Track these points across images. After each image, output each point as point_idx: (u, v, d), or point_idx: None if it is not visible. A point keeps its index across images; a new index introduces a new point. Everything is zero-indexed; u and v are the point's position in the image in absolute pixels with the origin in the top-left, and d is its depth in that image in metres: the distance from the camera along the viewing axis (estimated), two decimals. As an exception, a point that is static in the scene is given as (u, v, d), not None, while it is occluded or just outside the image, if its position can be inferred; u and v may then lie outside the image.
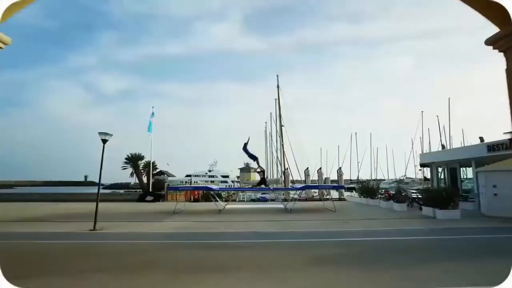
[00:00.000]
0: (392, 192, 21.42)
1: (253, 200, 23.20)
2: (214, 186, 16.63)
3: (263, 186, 16.44)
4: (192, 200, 22.39)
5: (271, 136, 46.93)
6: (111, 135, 10.16)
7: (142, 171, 26.92)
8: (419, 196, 16.37)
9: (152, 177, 27.99)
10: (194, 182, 70.58)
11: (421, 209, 14.96)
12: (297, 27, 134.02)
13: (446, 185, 19.40)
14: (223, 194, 23.56)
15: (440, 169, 21.53)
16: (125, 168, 24.73)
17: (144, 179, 26.50)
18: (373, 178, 62.69)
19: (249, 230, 9.54)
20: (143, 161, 25.38)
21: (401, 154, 78.28)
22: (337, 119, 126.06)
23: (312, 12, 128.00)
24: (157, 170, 29.70)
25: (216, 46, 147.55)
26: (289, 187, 20.33)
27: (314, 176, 24.31)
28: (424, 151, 56.47)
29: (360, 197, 20.66)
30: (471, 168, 18.40)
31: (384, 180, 60.74)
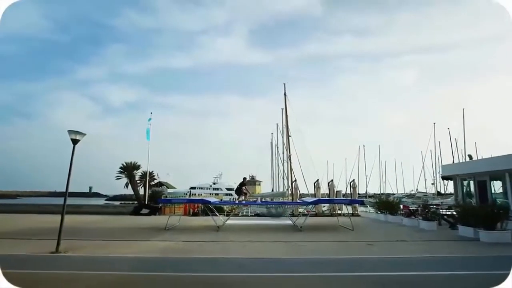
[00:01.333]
0: (413, 207, 19.20)
1: (257, 215, 21.12)
2: (212, 199, 14.65)
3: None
4: (191, 214, 20.48)
5: (277, 147, 45.16)
6: (84, 134, 8.39)
7: (138, 182, 25.11)
8: (448, 213, 14.21)
9: (150, 188, 26.17)
10: (199, 194, 68.79)
11: (452, 228, 12.85)
12: (301, 41, 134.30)
13: (475, 200, 17.29)
14: (226, 207, 21.62)
15: (465, 182, 19.41)
16: (119, 178, 22.92)
17: (142, 191, 24.62)
18: (382, 192, 60.21)
19: (252, 255, 7.55)
20: (139, 170, 23.59)
21: (409, 167, 75.48)
22: (342, 132, 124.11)
23: (316, 26, 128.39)
24: (156, 181, 27.91)
25: (221, 60, 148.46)
26: (299, 200, 18.18)
27: (324, 189, 22.27)
28: (437, 164, 53.99)
29: (377, 212, 18.50)
30: (497, 182, 16.47)
31: (394, 194, 58.14)
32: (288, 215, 19.21)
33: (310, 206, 14.72)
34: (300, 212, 21.10)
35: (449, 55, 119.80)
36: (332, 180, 21.34)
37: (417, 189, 59.72)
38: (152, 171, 26.10)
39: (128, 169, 22.58)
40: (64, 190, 9.43)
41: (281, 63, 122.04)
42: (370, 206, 21.26)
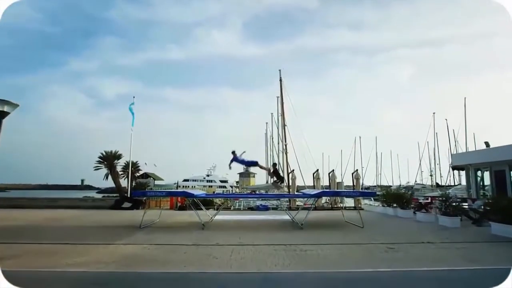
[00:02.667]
0: (421, 200, 17.40)
1: (251, 209, 19.19)
2: (197, 192, 12.52)
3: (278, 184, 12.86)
4: (177, 207, 18.49)
5: (272, 138, 43.21)
6: (16, 105, 6.25)
7: (121, 173, 22.94)
8: (471, 208, 12.39)
9: (134, 180, 24.03)
10: (192, 187, 66.94)
11: (477, 224, 11.05)
12: (297, 34, 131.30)
13: (491, 192, 15.59)
14: (219, 200, 19.63)
15: (479, 173, 17.69)
16: (97, 169, 20.67)
17: (126, 183, 22.47)
18: (378, 184, 58.94)
19: (240, 268, 5.56)
20: (121, 160, 21.33)
21: (403, 160, 74.12)
22: (337, 126, 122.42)
23: (311, 19, 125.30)
24: (141, 172, 25.73)
25: (216, 53, 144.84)
26: (298, 193, 16.18)
27: (323, 181, 20.48)
28: (436, 155, 52.49)
29: (383, 206, 16.68)
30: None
31: (391, 186, 56.91)
32: (285, 208, 17.33)
33: (312, 199, 12.78)
34: (298, 205, 19.25)
35: (445, 49, 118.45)
36: (333, 170, 19.48)
37: (415, 181, 58.62)
38: (137, 161, 23.96)
39: (108, 159, 20.34)
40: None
41: (276, 56, 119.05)
42: (374, 198, 19.43)
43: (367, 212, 17.02)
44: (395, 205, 14.91)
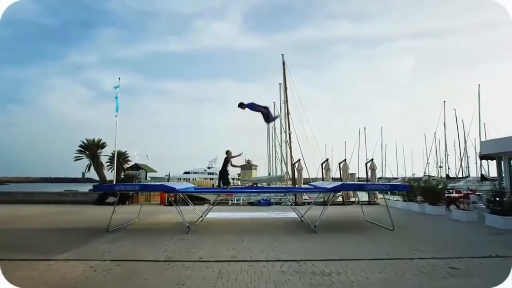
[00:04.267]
0: (452, 193, 14.96)
1: (251, 203, 16.91)
2: (182, 185, 10.10)
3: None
4: (167, 202, 16.26)
5: (274, 128, 40.73)
6: None
7: (108, 164, 20.66)
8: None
9: (123, 172, 21.76)
10: (193, 179, 64.85)
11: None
12: (297, 25, 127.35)
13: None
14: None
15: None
16: (78, 159, 18.35)
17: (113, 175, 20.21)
18: (382, 176, 56.51)
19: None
20: (105, 150, 18.95)
21: (407, 152, 71.41)
22: (339, 118, 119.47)
23: (312, 11, 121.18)
24: (131, 164, 23.46)
25: (216, 44, 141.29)
26: (308, 186, 13.73)
27: (333, 172, 18.09)
28: (447, 146, 49.88)
29: (405, 201, 14.35)
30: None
31: (397, 178, 54.48)
32: (289, 203, 15.00)
33: (328, 194, 10.48)
34: (305, 200, 16.91)
35: (447, 40, 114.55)
36: (345, 160, 17.05)
37: (424, 173, 56.17)
38: (126, 151, 21.64)
39: (90, 148, 17.98)
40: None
41: (277, 48, 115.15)
42: (390, 192, 17.02)
43: (385, 209, 14.68)
44: (421, 199, 12.56)
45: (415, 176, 58.49)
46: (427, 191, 12.05)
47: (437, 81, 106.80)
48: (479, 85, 41.84)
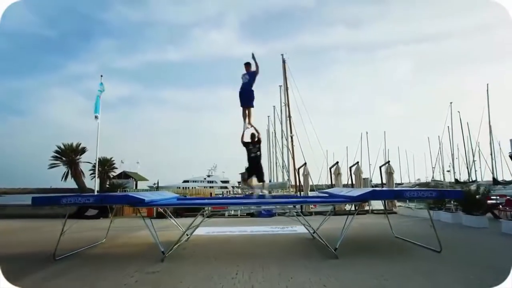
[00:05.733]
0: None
1: (250, 215, 14.73)
2: (153, 195, 7.52)
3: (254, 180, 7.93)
4: (155, 215, 14.15)
5: (274, 133, 38.79)
6: None
7: (92, 172, 18.48)
8: None
9: (109, 180, 19.59)
10: (193, 188, 62.73)
11: None
12: (295, 33, 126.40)
13: None
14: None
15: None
16: (53, 167, 16.12)
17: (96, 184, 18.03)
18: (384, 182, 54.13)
19: None
20: (88, 156, 16.68)
21: (409, 156, 69.09)
22: (339, 123, 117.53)
23: (309, 18, 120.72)
24: (119, 172, 21.24)
25: (214, 53, 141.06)
26: (321, 193, 11.34)
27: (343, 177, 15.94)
28: (454, 148, 47.71)
29: (432, 210, 12.17)
30: None
31: (402, 183, 52.04)
32: (295, 214, 12.71)
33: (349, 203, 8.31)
34: (312, 209, 14.72)
35: (445, 44, 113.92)
36: (357, 163, 14.83)
37: (432, 178, 53.83)
38: (111, 158, 19.53)
39: (67, 154, 15.81)
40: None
41: (275, 55, 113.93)
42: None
43: (409, 219, 12.51)
44: (456, 208, 10.42)
45: (420, 181, 56.27)
46: (469, 198, 9.80)
47: (436, 84, 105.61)
48: (487, 84, 39.79)
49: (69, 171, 15.94)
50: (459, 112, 43.21)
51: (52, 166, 15.96)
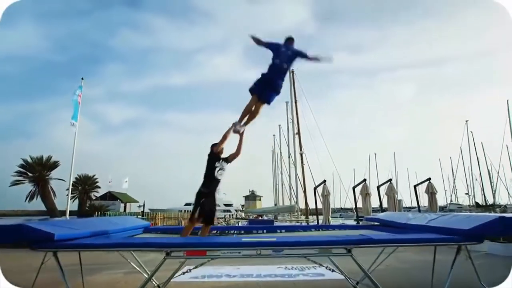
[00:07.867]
0: None
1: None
2: (73, 225, 4.33)
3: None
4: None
5: (281, 154, 36.33)
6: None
7: (73, 191, 15.69)
8: None
9: (89, 201, 16.71)
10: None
11: None
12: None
13: None
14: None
15: None
16: (17, 184, 13.15)
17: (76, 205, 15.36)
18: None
19: None
20: (53, 171, 13.78)
21: (418, 178, 66.00)
22: (342, 147, 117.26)
23: (310, 44, 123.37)
24: (101, 194, 18.19)
25: (218, 77, 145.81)
26: (368, 219, 7.98)
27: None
28: (472, 170, 44.37)
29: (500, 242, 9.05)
30: None
31: (414, 208, 47.97)
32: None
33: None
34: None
35: (447, 68, 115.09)
36: (390, 180, 11.74)
37: (450, 201, 49.98)
38: (94, 176, 16.76)
39: (34, 169, 12.92)
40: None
41: None
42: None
43: (445, 249, 9.35)
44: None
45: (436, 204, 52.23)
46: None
47: (439, 109, 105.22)
48: (507, 101, 37.13)
49: (36, 189, 13.05)
50: (471, 132, 40.24)
51: (15, 183, 13.00)
